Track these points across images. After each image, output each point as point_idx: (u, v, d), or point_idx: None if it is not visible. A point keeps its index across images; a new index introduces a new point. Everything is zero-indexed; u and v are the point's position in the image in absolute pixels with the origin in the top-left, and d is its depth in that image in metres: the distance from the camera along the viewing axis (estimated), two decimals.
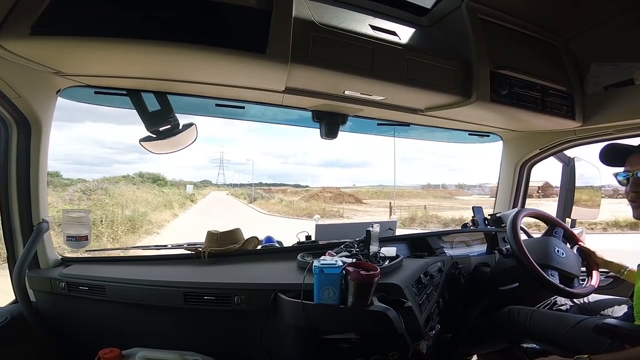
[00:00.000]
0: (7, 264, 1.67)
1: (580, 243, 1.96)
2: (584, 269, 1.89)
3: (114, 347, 1.46)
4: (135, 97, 1.66)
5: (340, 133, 2.07)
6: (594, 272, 1.85)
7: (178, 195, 26.77)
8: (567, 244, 1.94)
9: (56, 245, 1.80)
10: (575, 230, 2.06)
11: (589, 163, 2.50)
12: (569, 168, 2.51)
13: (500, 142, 2.65)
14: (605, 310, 1.76)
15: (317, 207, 30.29)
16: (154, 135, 1.68)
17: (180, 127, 1.70)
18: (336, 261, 1.30)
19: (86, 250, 1.91)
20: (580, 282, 1.83)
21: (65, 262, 1.78)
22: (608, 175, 1.61)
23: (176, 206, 23.05)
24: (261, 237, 2.00)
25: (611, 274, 2.10)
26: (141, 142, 1.69)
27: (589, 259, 1.89)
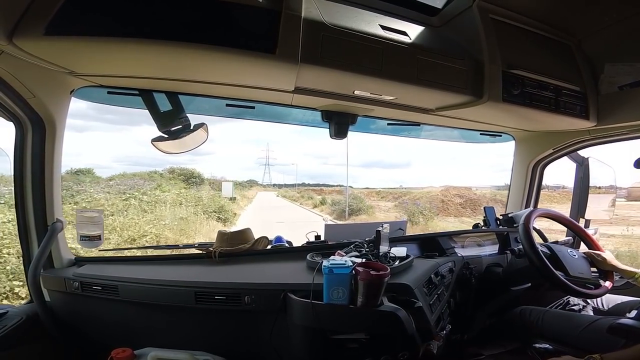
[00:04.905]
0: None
1: (590, 251, 1.90)
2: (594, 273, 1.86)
3: (127, 347, 1.47)
4: (147, 97, 1.68)
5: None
6: (608, 279, 1.82)
7: (191, 208, 12.35)
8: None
9: None
10: (589, 231, 2.04)
11: (603, 163, 2.47)
12: (582, 168, 2.48)
13: (513, 142, 2.63)
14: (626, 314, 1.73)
15: None
16: (166, 136, 1.70)
17: (192, 127, 1.71)
18: (345, 261, 1.30)
19: (99, 250, 1.93)
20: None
21: (79, 261, 1.80)
22: None
23: None
24: None
25: None
26: (153, 142, 1.70)
27: (600, 266, 1.84)
